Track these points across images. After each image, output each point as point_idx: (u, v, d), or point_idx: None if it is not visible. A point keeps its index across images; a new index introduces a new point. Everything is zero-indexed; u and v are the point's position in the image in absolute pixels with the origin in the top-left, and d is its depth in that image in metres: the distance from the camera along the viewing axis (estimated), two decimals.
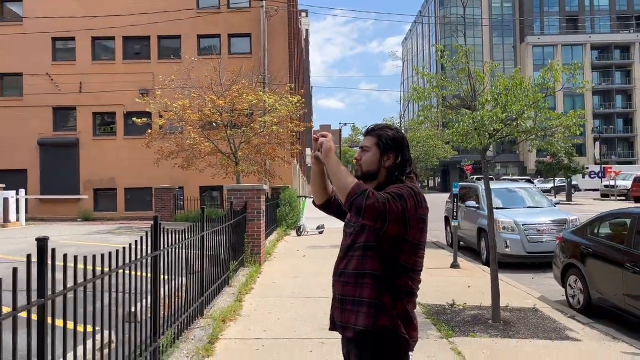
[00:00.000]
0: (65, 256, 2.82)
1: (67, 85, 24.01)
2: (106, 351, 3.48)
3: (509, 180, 38.65)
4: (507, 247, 10.66)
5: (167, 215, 20.11)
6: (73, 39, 24.22)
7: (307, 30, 50.60)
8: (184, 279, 5.38)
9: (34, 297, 2.53)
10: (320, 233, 15.83)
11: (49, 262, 2.59)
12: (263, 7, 22.62)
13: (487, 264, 10.19)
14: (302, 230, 15.94)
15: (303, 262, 10.67)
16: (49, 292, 2.61)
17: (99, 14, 23.53)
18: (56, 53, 24.65)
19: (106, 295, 3.39)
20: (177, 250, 5.03)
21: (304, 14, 43.97)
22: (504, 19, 75.83)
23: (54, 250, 2.64)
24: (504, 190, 12.72)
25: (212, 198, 24.21)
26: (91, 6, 23.86)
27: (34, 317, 2.52)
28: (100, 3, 23.97)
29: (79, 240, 13.06)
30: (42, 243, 2.55)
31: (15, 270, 2.33)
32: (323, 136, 2.40)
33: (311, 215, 15.23)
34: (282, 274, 9.28)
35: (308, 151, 45.74)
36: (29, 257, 2.45)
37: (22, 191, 18.95)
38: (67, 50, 24.76)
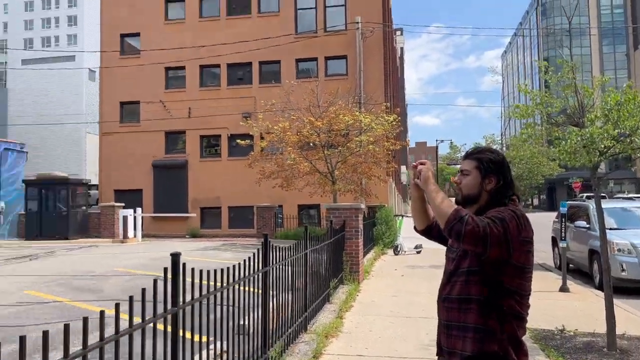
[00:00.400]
0: (192, 270, 3.13)
1: (178, 111, 25.92)
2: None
3: (623, 198, 35.67)
4: (623, 270, 9.92)
5: (267, 232, 20.84)
6: (183, 67, 26.18)
7: (401, 48, 50.61)
8: (289, 294, 5.64)
9: (158, 309, 2.84)
10: (418, 252, 15.65)
11: (181, 274, 2.91)
12: (359, 29, 23.08)
13: (599, 287, 9.55)
14: (399, 249, 15.87)
15: (401, 282, 10.64)
16: (181, 302, 2.92)
17: (207, 43, 25.28)
18: (168, 81, 26.75)
19: (219, 307, 3.69)
20: (284, 267, 5.31)
21: (398, 32, 44.11)
22: (615, 26, 70.83)
23: (184, 265, 2.96)
24: (618, 209, 11.86)
25: (309, 216, 24.80)
26: (200, 37, 25.71)
27: (159, 325, 2.84)
28: (208, 33, 25.76)
29: (189, 255, 13.96)
30: (175, 258, 2.88)
31: (155, 282, 2.66)
32: (421, 164, 2.48)
33: (408, 234, 15.13)
34: (380, 292, 9.34)
35: (403, 169, 45.39)
36: (165, 270, 2.78)
37: (139, 209, 20.63)
38: (177, 79, 26.81)
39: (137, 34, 26.97)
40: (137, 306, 2.47)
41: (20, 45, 72.94)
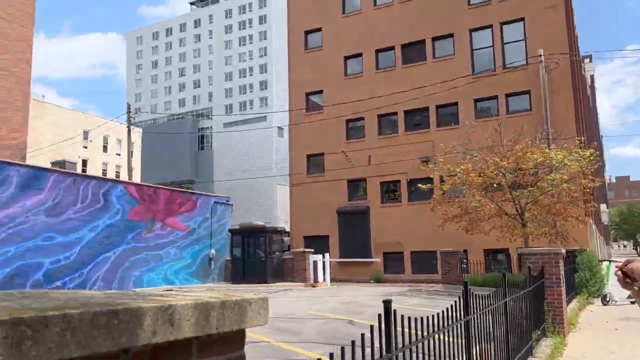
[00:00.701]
0: (402, 317, 3.23)
1: (358, 160, 27.06)
2: None
3: None
4: None
5: (453, 278, 20.26)
6: (362, 118, 27.42)
7: (591, 76, 46.37)
8: (490, 345, 5.39)
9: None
10: (632, 303, 13.68)
11: (393, 321, 3.03)
12: (542, 62, 21.84)
13: None
14: (608, 298, 14.09)
15: (615, 335, 9.41)
16: (394, 348, 3.03)
17: (383, 93, 26.24)
18: (349, 132, 28.18)
19: (421, 356, 3.69)
20: (484, 316, 5.13)
21: (587, 60, 40.62)
22: None
23: (395, 311, 3.07)
24: None
25: (497, 261, 23.48)
26: (377, 87, 26.82)
27: None
28: (384, 83, 26.74)
29: (377, 301, 14.17)
30: (387, 305, 3.02)
31: (371, 328, 2.81)
32: (626, 264, 2.23)
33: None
34: (591, 346, 8.36)
35: (603, 207, 40.66)
36: (379, 317, 2.92)
37: (327, 255, 21.70)
38: (357, 129, 28.10)
39: (320, 91, 29.12)
40: (340, 350, 2.63)
41: (222, 111, 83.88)
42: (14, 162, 17.87)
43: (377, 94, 26.50)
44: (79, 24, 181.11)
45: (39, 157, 38.21)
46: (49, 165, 23.21)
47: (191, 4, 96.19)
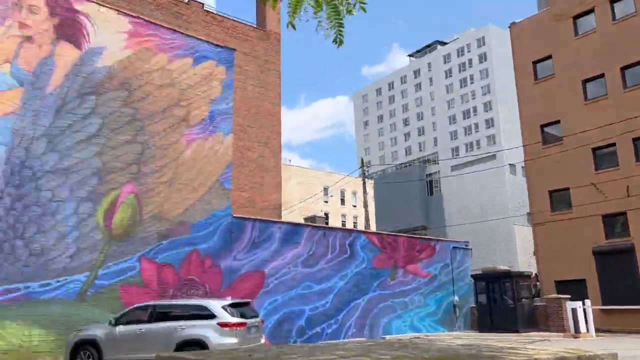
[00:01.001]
0: None
1: (613, 191, 23.85)
2: None
3: None
4: None
5: None
6: (613, 145, 24.30)
7: None
8: None
9: None
10: None
11: None
12: None
13: None
14: None
15: None
16: None
17: (637, 113, 22.98)
18: (597, 162, 25.16)
19: None
20: None
21: None
22: None
23: None
24: None
25: None
26: (627, 108, 23.65)
27: None
28: (636, 102, 23.47)
29: None
30: None
31: None
32: None
33: None
34: None
35: None
36: None
37: (588, 301, 19.28)
38: (607, 157, 24.91)
39: (557, 122, 26.88)
40: None
41: (448, 155, 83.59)
42: (276, 220, 20.52)
43: (628, 116, 23.34)
44: (312, 93, 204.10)
45: (290, 214, 43.14)
46: (301, 221, 25.97)
47: (409, 56, 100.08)
